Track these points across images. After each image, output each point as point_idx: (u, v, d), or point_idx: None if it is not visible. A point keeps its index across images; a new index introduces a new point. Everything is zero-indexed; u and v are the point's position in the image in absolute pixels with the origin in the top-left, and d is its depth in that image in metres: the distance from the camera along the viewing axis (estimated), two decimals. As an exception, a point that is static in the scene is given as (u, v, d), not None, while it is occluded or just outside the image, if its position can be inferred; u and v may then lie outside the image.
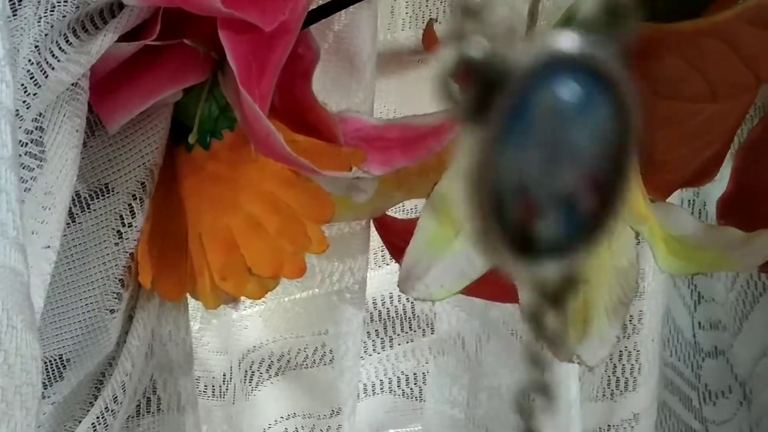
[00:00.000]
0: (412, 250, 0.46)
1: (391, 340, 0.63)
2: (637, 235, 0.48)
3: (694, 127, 0.49)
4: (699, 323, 0.72)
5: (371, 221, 0.55)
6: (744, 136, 0.56)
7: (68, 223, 0.44)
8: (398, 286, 0.46)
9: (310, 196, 0.45)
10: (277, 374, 0.59)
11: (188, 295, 0.50)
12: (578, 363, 0.45)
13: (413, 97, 0.59)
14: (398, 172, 0.49)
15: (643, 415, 0.62)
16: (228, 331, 0.56)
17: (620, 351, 0.60)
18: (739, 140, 0.57)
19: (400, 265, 0.46)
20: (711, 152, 0.51)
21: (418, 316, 0.62)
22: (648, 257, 0.60)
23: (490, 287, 0.50)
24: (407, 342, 0.63)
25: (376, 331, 0.62)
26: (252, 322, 0.57)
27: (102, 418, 0.46)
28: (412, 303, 0.62)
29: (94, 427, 0.46)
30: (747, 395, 0.73)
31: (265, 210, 0.45)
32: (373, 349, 0.63)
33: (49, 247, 0.41)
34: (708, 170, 0.52)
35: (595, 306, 0.45)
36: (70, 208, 0.44)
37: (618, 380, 0.61)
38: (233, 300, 0.47)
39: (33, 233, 0.40)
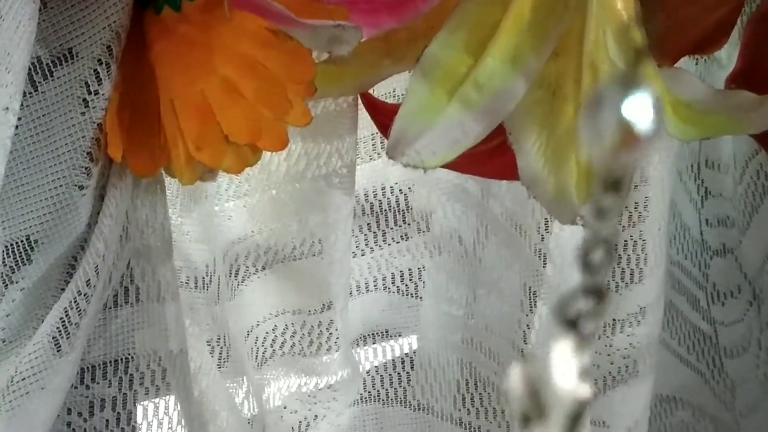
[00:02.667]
0: (403, 116, 0.43)
1: (384, 234, 0.59)
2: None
3: (703, -18, 0.45)
4: (706, 220, 0.69)
5: (359, 101, 0.52)
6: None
7: (30, 93, 0.41)
8: (387, 152, 0.43)
9: (290, 55, 0.41)
10: (264, 268, 0.56)
11: (165, 177, 0.47)
12: (582, 225, 0.42)
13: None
14: (387, 38, 0.46)
15: (649, 309, 0.59)
16: (210, 222, 0.53)
17: (625, 240, 0.57)
18: (748, 16, 0.54)
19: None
20: (720, 15, 0.48)
21: (411, 209, 0.59)
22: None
23: (486, 161, 0.48)
24: (402, 238, 0.60)
25: (368, 224, 0.59)
26: (236, 213, 0.54)
27: (75, 302, 0.43)
28: (405, 195, 0.59)
29: (66, 312, 0.43)
30: (757, 295, 0.70)
31: (242, 73, 0.42)
32: (366, 244, 0.60)
33: (8, 109, 0.38)
34: (716, 36, 0.50)
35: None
36: (32, 76, 0.41)
37: (623, 272, 0.58)
38: (210, 173, 0.43)
39: (-10, 95, 0.37)
